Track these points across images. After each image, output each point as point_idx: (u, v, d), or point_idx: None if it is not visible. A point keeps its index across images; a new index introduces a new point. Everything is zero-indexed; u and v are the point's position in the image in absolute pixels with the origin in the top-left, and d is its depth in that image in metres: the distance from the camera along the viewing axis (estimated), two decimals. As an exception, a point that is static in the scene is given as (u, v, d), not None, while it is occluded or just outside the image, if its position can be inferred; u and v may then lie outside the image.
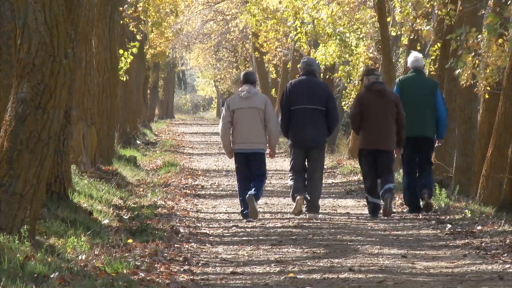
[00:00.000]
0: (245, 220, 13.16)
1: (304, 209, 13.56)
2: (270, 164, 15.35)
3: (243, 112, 13.03)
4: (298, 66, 14.01)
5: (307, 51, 30.25)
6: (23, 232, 8.37)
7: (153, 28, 34.96)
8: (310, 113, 13.26)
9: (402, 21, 21.65)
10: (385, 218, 13.43)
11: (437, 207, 14.55)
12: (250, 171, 13.23)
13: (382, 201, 13.46)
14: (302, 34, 28.53)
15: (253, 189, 12.95)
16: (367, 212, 13.95)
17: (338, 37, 26.29)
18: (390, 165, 13.67)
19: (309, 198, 13.40)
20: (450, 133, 19.91)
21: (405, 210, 14.47)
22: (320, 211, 13.79)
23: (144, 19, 31.60)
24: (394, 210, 14.26)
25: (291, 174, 13.50)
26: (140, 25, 31.74)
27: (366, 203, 13.94)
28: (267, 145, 13.38)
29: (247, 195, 12.91)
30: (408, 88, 13.86)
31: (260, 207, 14.37)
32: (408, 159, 14.04)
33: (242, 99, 13.07)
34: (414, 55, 14.43)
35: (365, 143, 13.55)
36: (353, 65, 26.85)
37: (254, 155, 13.18)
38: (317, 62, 28.38)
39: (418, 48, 22.87)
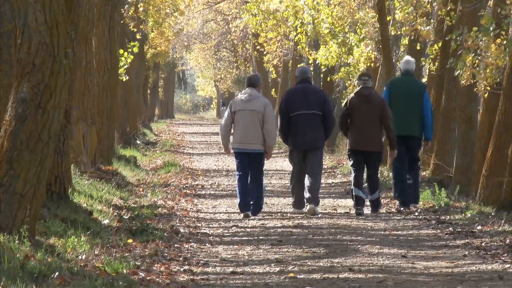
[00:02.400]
0: (242, 215, 13.67)
1: (304, 209, 14.05)
2: (270, 164, 15.45)
3: (243, 114, 13.56)
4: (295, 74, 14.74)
5: (308, 52, 30.28)
6: (23, 232, 8.37)
7: (153, 28, 34.97)
8: (308, 117, 13.87)
9: (402, 21, 21.66)
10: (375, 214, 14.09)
11: (437, 207, 14.57)
12: (249, 169, 13.78)
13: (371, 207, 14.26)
14: (302, 34, 28.54)
15: (251, 206, 13.68)
16: (368, 212, 14.20)
17: (338, 37, 26.30)
18: (376, 167, 14.40)
19: (309, 192, 13.91)
20: (450, 133, 19.95)
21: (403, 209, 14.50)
22: (320, 211, 14.11)
23: (144, 18, 31.61)
24: (393, 210, 14.56)
25: (292, 180, 14.15)
26: (140, 25, 31.75)
27: (350, 195, 14.65)
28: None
29: (249, 212, 13.67)
30: (397, 89, 14.64)
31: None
32: (397, 157, 14.48)
33: (243, 101, 13.61)
34: (406, 58, 15.20)
35: (352, 144, 14.25)
36: (354, 66, 26.86)
37: (252, 155, 13.69)
38: (318, 63, 28.41)
39: (418, 48, 22.89)
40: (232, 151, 13.88)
